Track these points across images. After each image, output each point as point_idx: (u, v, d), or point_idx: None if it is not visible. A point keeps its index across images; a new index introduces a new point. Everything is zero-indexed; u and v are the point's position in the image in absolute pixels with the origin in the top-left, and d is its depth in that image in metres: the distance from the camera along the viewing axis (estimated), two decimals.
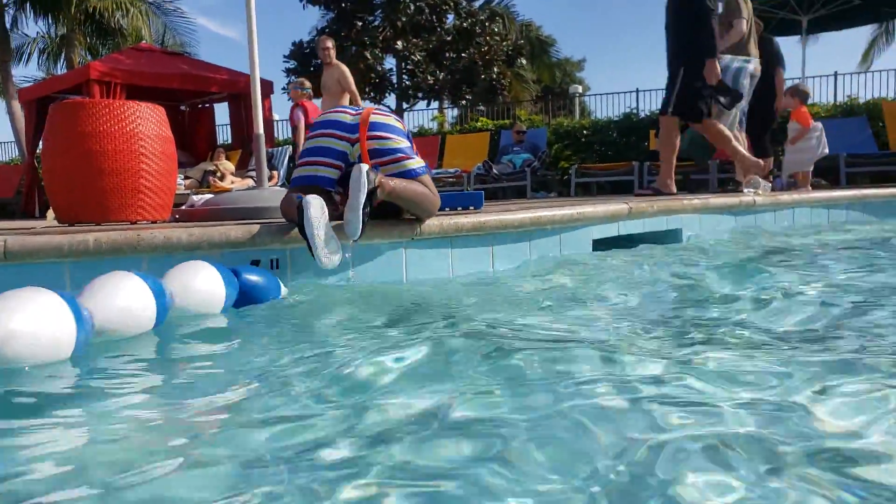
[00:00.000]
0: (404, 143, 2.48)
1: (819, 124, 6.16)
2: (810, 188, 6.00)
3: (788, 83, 11.23)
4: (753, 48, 5.47)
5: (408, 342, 1.54)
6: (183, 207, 4.19)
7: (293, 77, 13.09)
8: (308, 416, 1.12)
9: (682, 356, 1.36)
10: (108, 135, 3.20)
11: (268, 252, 2.27)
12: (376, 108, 2.53)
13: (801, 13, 8.32)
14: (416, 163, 2.47)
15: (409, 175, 2.43)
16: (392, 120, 2.51)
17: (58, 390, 1.34)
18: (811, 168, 6.13)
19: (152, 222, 3.45)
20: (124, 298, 1.61)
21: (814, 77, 11.53)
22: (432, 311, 2.04)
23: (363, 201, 2.16)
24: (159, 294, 1.70)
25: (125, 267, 1.93)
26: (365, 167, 2.19)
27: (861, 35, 15.97)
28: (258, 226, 2.28)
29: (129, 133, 3.25)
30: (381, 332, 1.76)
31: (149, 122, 3.35)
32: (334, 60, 6.71)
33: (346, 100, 6.63)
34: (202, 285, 1.87)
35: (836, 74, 11.50)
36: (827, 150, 6.27)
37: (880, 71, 11.87)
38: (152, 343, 1.68)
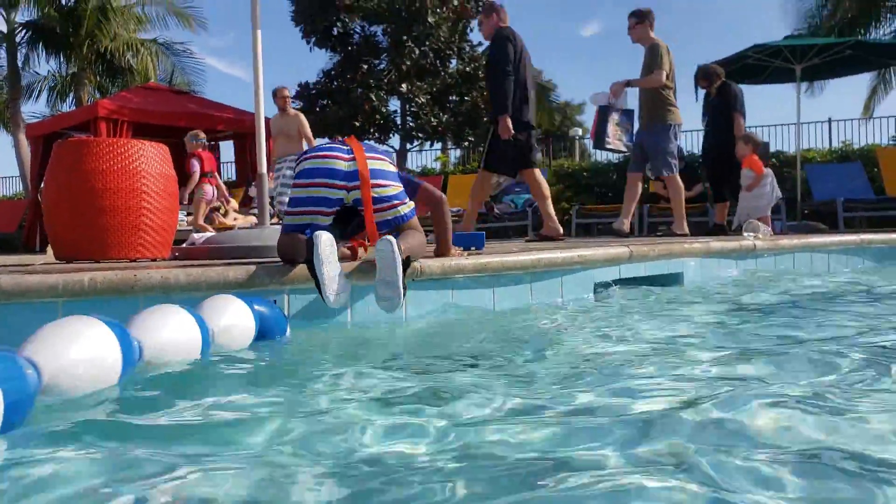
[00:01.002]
0: (399, 189, 2.49)
1: (770, 171, 6.14)
2: (771, 232, 5.95)
3: (789, 129, 11.46)
4: (673, 96, 5.62)
5: (409, 382, 1.51)
6: (183, 245, 4.19)
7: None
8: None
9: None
10: (111, 173, 3.22)
11: (266, 293, 2.25)
12: (367, 150, 2.49)
13: (794, 62, 8.46)
14: (407, 207, 2.50)
15: (401, 220, 2.47)
16: (387, 165, 2.50)
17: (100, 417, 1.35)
18: (768, 213, 6.12)
19: (152, 260, 3.44)
20: (173, 330, 1.64)
21: (809, 123, 11.74)
22: (432, 351, 2.01)
23: (402, 277, 2.18)
24: (204, 329, 1.74)
25: (121, 308, 1.92)
26: (394, 241, 2.19)
27: (862, 84, 16.18)
28: (256, 266, 2.27)
29: (131, 171, 3.27)
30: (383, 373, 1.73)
31: (151, 161, 3.38)
32: (291, 110, 7.30)
33: (304, 143, 7.09)
34: (239, 321, 1.90)
35: (830, 120, 11.68)
36: (780, 196, 6.26)
37: (874, 118, 12.06)
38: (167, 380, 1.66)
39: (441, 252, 2.88)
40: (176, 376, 1.62)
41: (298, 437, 1.22)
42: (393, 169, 2.53)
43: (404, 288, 2.19)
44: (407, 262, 2.24)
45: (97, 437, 1.21)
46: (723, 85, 6.40)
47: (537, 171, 5.19)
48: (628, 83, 5.66)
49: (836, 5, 14.40)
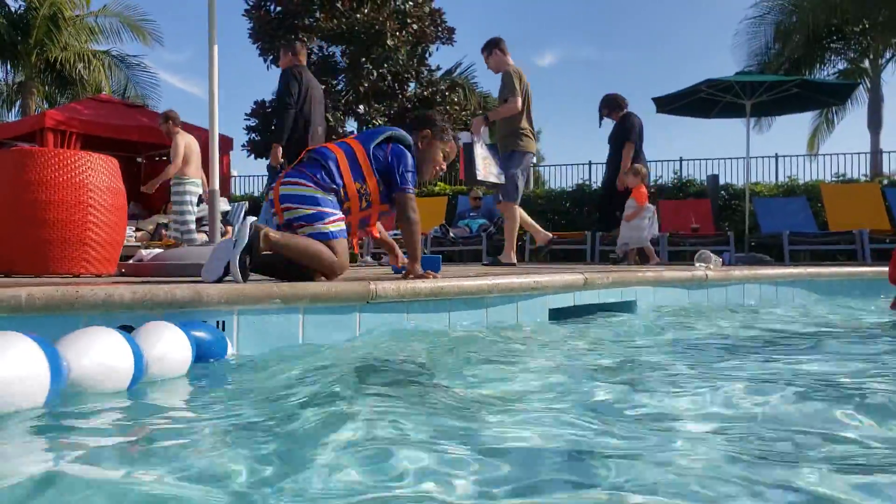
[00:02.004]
0: (309, 210, 2.66)
1: (651, 206, 6.19)
2: (633, 264, 5.92)
3: (737, 162, 11.90)
4: (527, 123, 5.56)
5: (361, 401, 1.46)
6: (130, 261, 4.04)
7: (254, 135, 13.11)
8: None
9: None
10: (55, 184, 3.09)
11: (214, 313, 2.17)
12: (288, 172, 2.75)
13: (744, 98, 8.80)
14: (313, 229, 2.66)
15: (316, 237, 2.67)
16: (299, 188, 2.68)
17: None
18: (643, 246, 6.17)
19: (97, 276, 3.30)
20: (103, 354, 1.57)
21: (757, 157, 12.24)
22: (384, 372, 1.97)
23: (228, 264, 2.40)
24: (138, 356, 1.66)
25: (63, 325, 1.82)
26: (252, 221, 2.45)
27: (807, 122, 16.93)
28: (206, 285, 2.20)
29: (77, 183, 3.15)
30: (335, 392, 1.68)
31: (99, 173, 3.26)
32: (172, 132, 7.06)
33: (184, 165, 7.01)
34: (173, 351, 1.83)
35: (777, 156, 12.19)
36: (656, 232, 6.23)
37: (819, 155, 12.65)
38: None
39: (407, 271, 3.03)
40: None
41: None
42: (312, 192, 2.68)
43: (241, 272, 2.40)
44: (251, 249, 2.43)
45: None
46: (624, 116, 6.49)
47: None
48: (486, 118, 5.57)
49: (784, 45, 15.13)
